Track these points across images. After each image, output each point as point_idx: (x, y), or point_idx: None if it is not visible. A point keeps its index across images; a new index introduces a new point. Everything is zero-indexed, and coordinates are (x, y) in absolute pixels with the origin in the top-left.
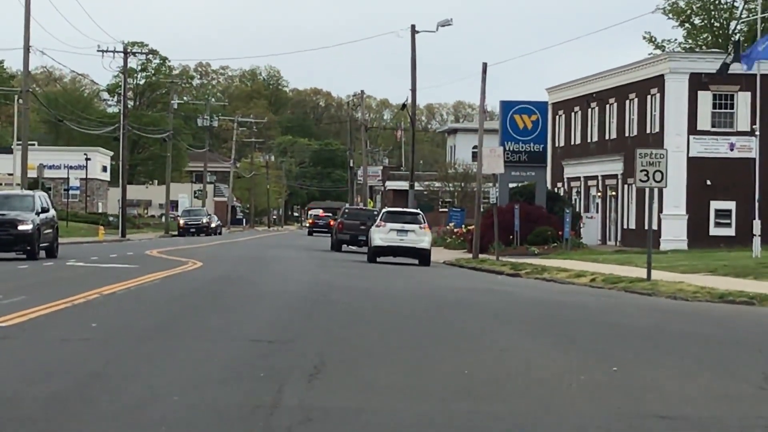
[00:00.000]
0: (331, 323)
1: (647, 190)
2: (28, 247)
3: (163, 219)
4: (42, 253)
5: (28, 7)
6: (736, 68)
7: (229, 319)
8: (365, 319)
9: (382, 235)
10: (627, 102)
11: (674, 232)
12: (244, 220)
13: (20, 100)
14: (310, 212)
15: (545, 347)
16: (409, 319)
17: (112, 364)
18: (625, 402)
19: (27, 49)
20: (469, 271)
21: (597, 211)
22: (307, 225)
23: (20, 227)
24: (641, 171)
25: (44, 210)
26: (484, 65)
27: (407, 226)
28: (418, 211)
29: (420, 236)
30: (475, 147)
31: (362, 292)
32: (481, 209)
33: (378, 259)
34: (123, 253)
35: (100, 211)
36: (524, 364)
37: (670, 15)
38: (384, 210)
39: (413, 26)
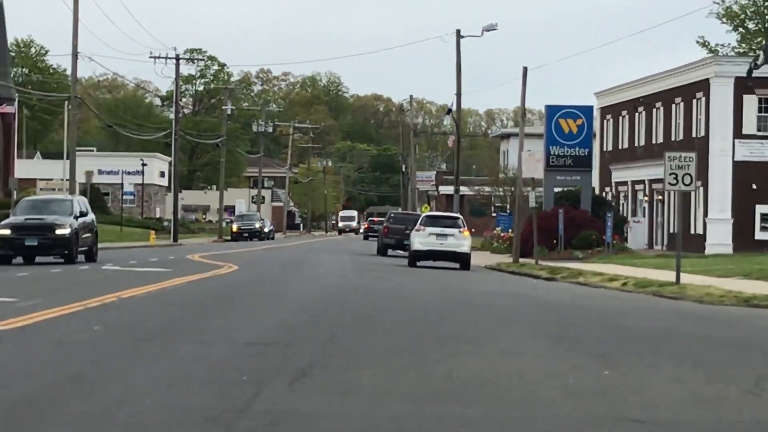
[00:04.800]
0: (336, 326)
1: (675, 193)
2: (66, 251)
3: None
4: (81, 257)
5: (76, 13)
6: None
7: (234, 322)
8: (374, 322)
9: (421, 239)
10: (673, 106)
11: (719, 237)
12: (301, 225)
13: (69, 106)
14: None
15: (545, 350)
16: (419, 321)
17: (96, 365)
18: (605, 406)
19: (75, 55)
20: (506, 275)
21: (644, 216)
22: (363, 230)
23: (58, 231)
24: (670, 174)
25: (83, 214)
26: (524, 69)
27: (447, 230)
28: (458, 215)
29: (460, 240)
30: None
31: (384, 296)
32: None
33: (419, 264)
34: (165, 258)
35: (157, 216)
36: (517, 367)
37: (724, 19)
38: (424, 214)
39: (458, 31)
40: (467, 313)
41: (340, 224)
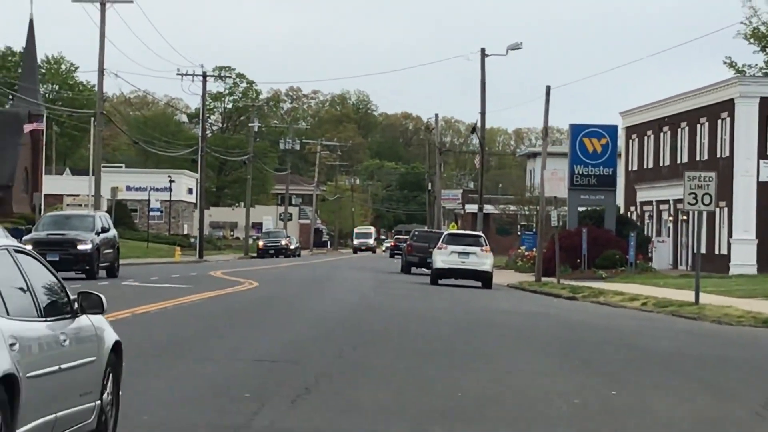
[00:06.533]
0: (346, 344)
1: (696, 213)
2: (87, 267)
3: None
4: (102, 273)
5: (103, 30)
6: None
7: (244, 339)
8: (384, 340)
9: (443, 257)
10: (698, 126)
11: (743, 257)
12: (328, 242)
13: (95, 122)
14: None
15: (555, 369)
16: (431, 340)
17: None
18: (605, 426)
19: (101, 72)
20: (528, 294)
21: (668, 236)
22: (389, 247)
23: (79, 247)
24: (690, 194)
25: (104, 230)
26: (548, 89)
27: (468, 249)
28: (480, 233)
29: (481, 258)
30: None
31: (400, 314)
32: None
33: (440, 282)
34: (187, 274)
35: (185, 232)
36: (524, 386)
37: (751, 40)
38: (446, 232)
39: (483, 50)
40: (481, 331)
41: (355, 242)
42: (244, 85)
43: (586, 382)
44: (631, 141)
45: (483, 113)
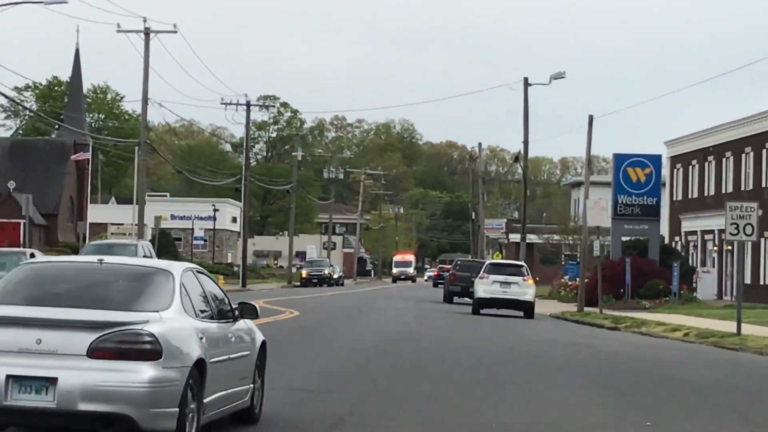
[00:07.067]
0: (382, 374)
1: (738, 243)
2: None
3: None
4: None
5: (147, 59)
6: None
7: (281, 368)
8: (421, 370)
9: (485, 287)
10: (743, 156)
11: None
12: (372, 271)
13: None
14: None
15: (590, 400)
16: (468, 370)
17: None
18: None
19: (145, 101)
20: (570, 324)
21: (713, 266)
22: (432, 276)
23: None
24: (731, 224)
25: (147, 258)
26: (590, 118)
27: (510, 278)
28: (522, 263)
29: (523, 288)
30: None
31: (438, 343)
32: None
33: (482, 311)
34: None
35: (229, 261)
36: (558, 416)
37: None
38: (488, 262)
39: (525, 79)
40: (520, 361)
41: (395, 270)
42: (288, 114)
43: (621, 413)
44: (675, 170)
45: (526, 142)
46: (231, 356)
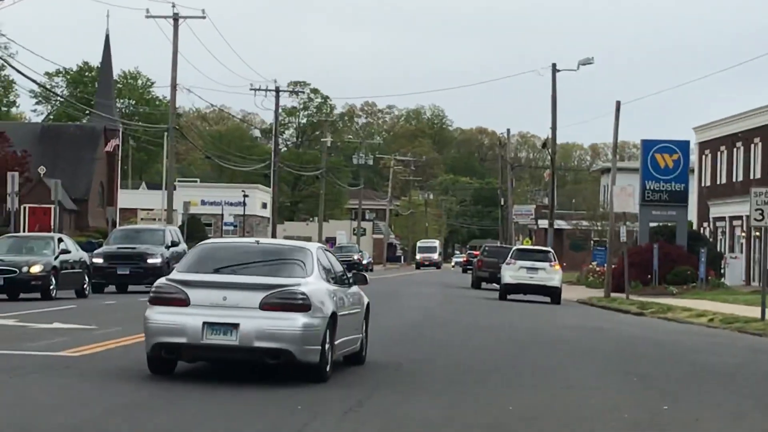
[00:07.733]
0: (404, 358)
1: (766, 229)
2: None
3: None
4: None
5: (176, 45)
6: None
7: None
8: (443, 355)
9: (512, 272)
10: None
11: None
12: (402, 257)
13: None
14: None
15: (610, 384)
16: (490, 354)
17: (150, 394)
18: None
19: (174, 87)
20: (596, 310)
21: (741, 252)
22: (461, 262)
23: (149, 260)
24: (756, 210)
25: (174, 244)
26: (617, 104)
27: (537, 264)
28: (549, 249)
29: (550, 274)
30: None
31: (463, 328)
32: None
33: (509, 297)
34: None
35: None
36: (577, 400)
37: None
38: (514, 248)
39: (554, 65)
40: (543, 346)
41: (418, 256)
42: (318, 100)
43: (641, 397)
44: (704, 156)
45: (554, 128)
46: (351, 312)
